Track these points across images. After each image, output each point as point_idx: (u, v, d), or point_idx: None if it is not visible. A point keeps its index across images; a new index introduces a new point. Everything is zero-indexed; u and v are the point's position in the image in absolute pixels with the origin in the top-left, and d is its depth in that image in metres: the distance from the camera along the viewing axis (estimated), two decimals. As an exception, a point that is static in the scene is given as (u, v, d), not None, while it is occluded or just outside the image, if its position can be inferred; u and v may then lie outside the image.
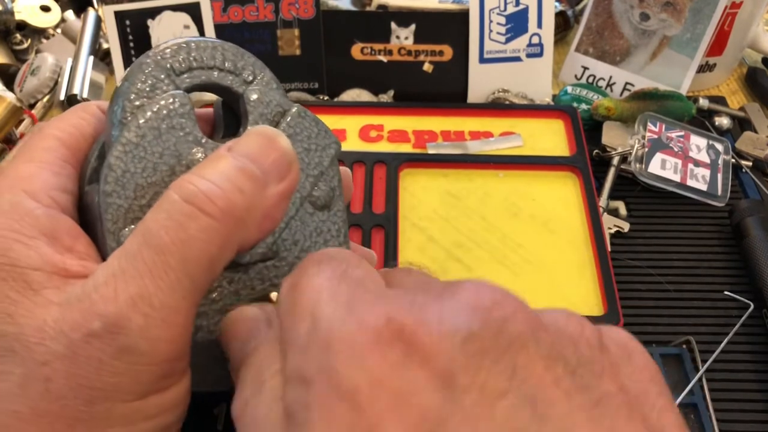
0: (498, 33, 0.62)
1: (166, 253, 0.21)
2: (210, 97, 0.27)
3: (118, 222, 0.23)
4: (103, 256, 0.23)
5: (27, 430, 0.20)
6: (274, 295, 0.25)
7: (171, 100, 0.24)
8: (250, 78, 0.26)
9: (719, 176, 0.55)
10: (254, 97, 0.26)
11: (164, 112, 0.24)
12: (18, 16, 0.70)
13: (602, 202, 0.54)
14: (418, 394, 0.16)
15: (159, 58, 0.25)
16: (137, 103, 0.24)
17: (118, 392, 0.20)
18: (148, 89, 0.24)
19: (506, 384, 0.16)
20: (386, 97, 0.62)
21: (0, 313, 0.21)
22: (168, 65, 0.25)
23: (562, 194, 0.53)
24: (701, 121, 0.62)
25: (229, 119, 0.27)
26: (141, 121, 0.23)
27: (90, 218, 0.24)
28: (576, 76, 0.66)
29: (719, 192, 0.54)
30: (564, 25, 0.71)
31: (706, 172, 0.55)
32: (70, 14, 0.72)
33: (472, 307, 0.17)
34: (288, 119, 0.26)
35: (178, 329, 0.21)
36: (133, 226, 0.23)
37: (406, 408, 0.16)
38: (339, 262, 0.20)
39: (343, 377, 0.16)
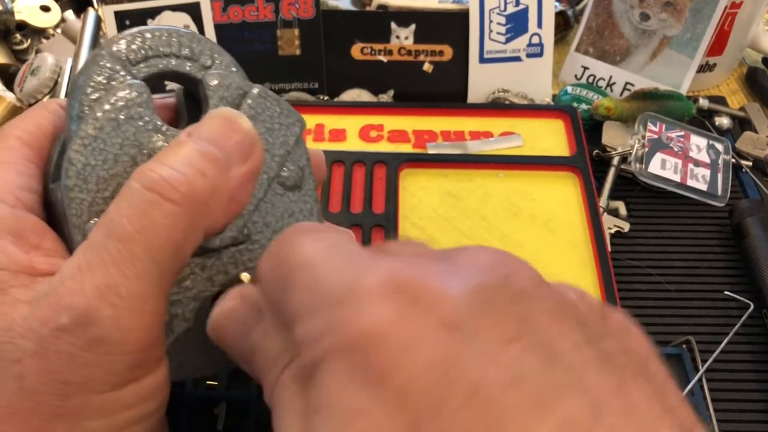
0: (498, 33, 0.62)
1: (131, 242, 0.20)
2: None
3: (82, 215, 0.23)
4: (71, 251, 0.23)
5: (2, 429, 0.20)
6: (245, 276, 0.25)
7: (128, 91, 0.24)
8: (209, 63, 0.26)
9: (719, 176, 0.55)
10: (214, 82, 0.26)
11: (121, 102, 0.24)
12: (18, 16, 0.70)
13: (602, 202, 0.54)
14: (427, 339, 0.16)
15: (114, 49, 0.25)
16: (94, 96, 0.24)
17: (93, 384, 0.20)
18: (104, 81, 0.24)
19: (515, 331, 0.16)
20: (386, 97, 0.62)
21: None
22: (123, 56, 0.25)
23: (562, 194, 0.53)
24: (701, 121, 0.62)
25: (191, 107, 0.27)
26: (98, 113, 0.23)
27: (56, 215, 0.24)
28: (576, 76, 0.66)
29: (719, 192, 0.54)
30: (564, 25, 0.71)
31: (706, 172, 0.55)
32: (70, 14, 0.72)
33: (475, 265, 0.18)
34: (249, 101, 0.26)
35: (149, 317, 0.21)
36: (97, 219, 0.23)
37: (416, 352, 0.16)
38: (322, 232, 0.20)
39: (351, 327, 0.16)
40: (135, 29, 0.25)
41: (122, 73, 0.24)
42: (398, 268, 0.17)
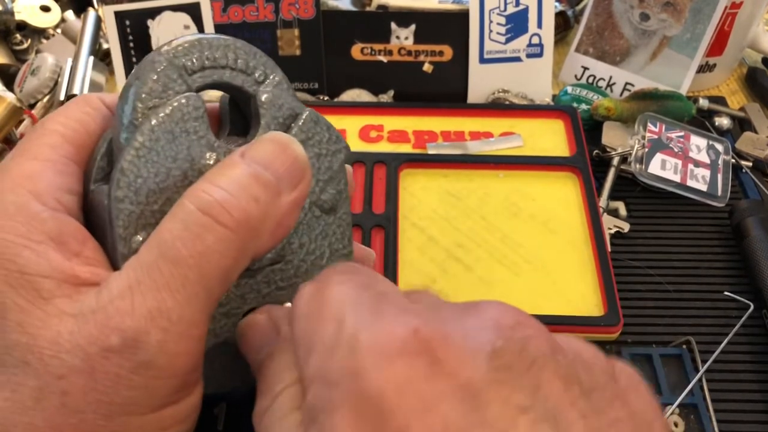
0: (498, 33, 0.62)
1: (184, 266, 0.20)
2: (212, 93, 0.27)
3: (129, 227, 0.22)
4: (112, 261, 0.23)
5: None
6: (288, 305, 0.25)
7: (185, 102, 0.23)
8: (262, 78, 0.26)
9: (719, 176, 0.55)
10: (266, 98, 0.25)
11: (178, 114, 0.23)
12: (18, 16, 0.70)
13: (602, 202, 0.54)
14: (442, 404, 0.16)
15: (172, 56, 0.24)
16: (149, 103, 0.23)
17: (135, 406, 0.20)
18: (160, 89, 0.23)
19: (529, 400, 0.16)
20: (386, 98, 0.62)
21: (10, 322, 0.20)
22: (181, 64, 0.24)
23: (562, 194, 0.53)
24: (701, 121, 0.62)
25: (235, 116, 0.27)
26: (154, 123, 0.23)
27: (97, 220, 0.24)
28: (576, 76, 0.66)
29: (719, 192, 0.54)
30: (564, 25, 0.71)
31: (706, 173, 0.55)
32: (70, 14, 0.72)
33: (496, 326, 0.18)
34: (300, 123, 0.26)
35: (194, 342, 0.21)
36: (144, 233, 0.22)
37: (430, 416, 0.16)
38: (363, 275, 0.21)
39: (369, 380, 0.16)
40: (194, 37, 0.24)
41: (179, 82, 0.24)
42: (422, 323, 0.18)
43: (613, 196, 0.55)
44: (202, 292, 0.21)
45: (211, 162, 0.24)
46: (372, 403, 0.16)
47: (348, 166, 0.28)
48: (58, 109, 0.25)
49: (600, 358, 0.19)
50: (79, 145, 0.24)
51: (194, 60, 0.24)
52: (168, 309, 0.20)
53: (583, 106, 0.60)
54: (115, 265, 0.22)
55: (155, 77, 0.23)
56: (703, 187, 0.54)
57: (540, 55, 0.62)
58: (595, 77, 0.65)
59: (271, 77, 0.26)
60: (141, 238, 0.22)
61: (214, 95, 0.27)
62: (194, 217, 0.21)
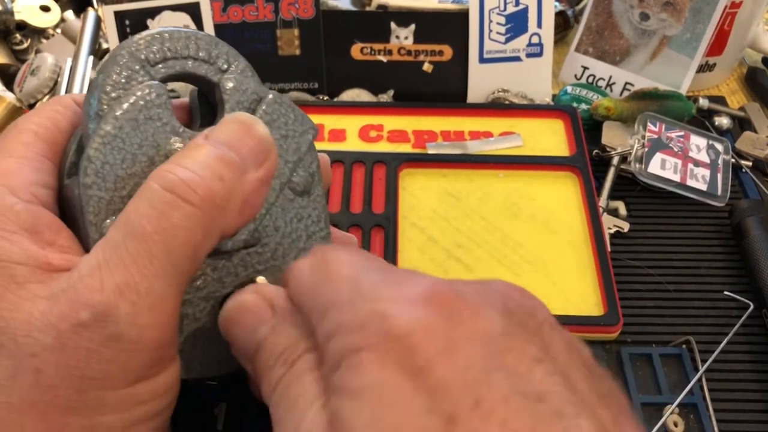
0: (498, 33, 0.62)
1: (150, 242, 0.21)
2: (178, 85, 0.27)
3: (99, 214, 0.23)
4: (86, 248, 0.23)
5: (20, 420, 0.20)
6: (260, 279, 0.26)
7: (147, 91, 0.24)
8: (225, 66, 0.26)
9: (719, 176, 0.55)
10: (230, 85, 0.26)
11: (141, 102, 0.24)
12: (18, 16, 0.70)
13: (602, 202, 0.54)
14: (465, 347, 0.17)
15: (133, 49, 0.25)
16: (113, 94, 0.24)
17: (109, 380, 0.21)
18: (123, 81, 0.24)
19: (541, 354, 0.18)
20: (386, 97, 0.62)
21: None
22: (143, 56, 0.25)
23: (562, 194, 0.53)
24: (701, 121, 0.62)
25: (205, 109, 0.27)
26: (118, 112, 0.23)
27: (71, 211, 0.24)
28: (576, 75, 0.66)
29: (719, 192, 0.54)
30: (564, 24, 0.71)
31: (706, 172, 0.55)
32: (69, 14, 0.72)
33: (505, 292, 0.20)
34: (264, 106, 0.26)
35: (165, 316, 0.21)
36: (114, 218, 0.23)
37: (454, 356, 0.17)
38: (360, 250, 0.22)
39: (395, 320, 0.18)
40: (154, 30, 0.25)
41: (141, 73, 0.25)
42: (436, 283, 0.19)
43: (612, 196, 0.55)
44: (170, 267, 0.21)
45: (178, 147, 0.24)
46: (398, 341, 0.17)
47: (325, 155, 0.29)
48: (32, 110, 0.26)
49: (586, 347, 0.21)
50: (51, 142, 0.25)
51: (155, 52, 0.25)
52: (136, 283, 0.21)
53: (583, 106, 0.60)
54: (88, 252, 0.23)
55: (118, 70, 0.24)
56: (703, 187, 0.54)
57: (540, 54, 0.62)
58: (594, 77, 0.65)
59: (234, 65, 0.27)
60: (111, 223, 0.23)
61: (183, 91, 0.27)
62: (159, 195, 0.21)
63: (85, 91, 0.61)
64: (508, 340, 0.18)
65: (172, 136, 0.24)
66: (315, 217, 0.28)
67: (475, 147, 0.56)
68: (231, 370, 0.25)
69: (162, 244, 0.21)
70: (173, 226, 0.21)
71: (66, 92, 0.61)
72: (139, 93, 0.24)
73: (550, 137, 0.57)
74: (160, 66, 0.25)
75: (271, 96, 0.26)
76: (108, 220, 0.23)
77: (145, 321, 0.21)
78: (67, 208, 0.25)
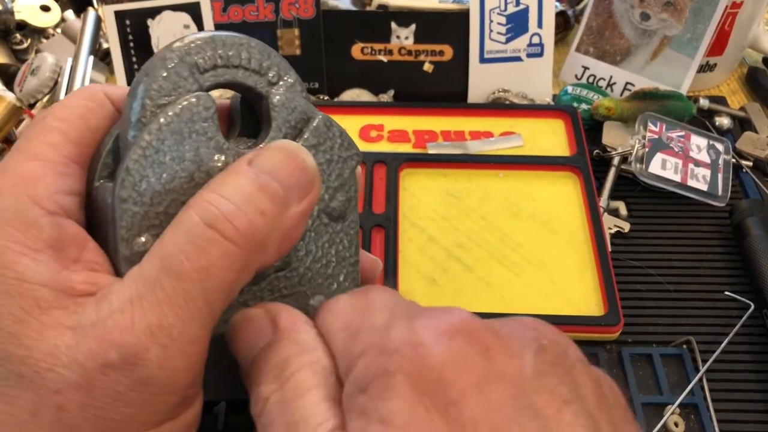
0: (498, 33, 0.62)
1: (186, 281, 0.20)
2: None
3: (132, 229, 0.22)
4: (113, 261, 0.22)
5: None
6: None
7: (194, 101, 0.23)
8: (275, 79, 0.25)
9: (720, 176, 0.55)
10: (278, 100, 0.25)
11: (187, 114, 0.22)
12: (18, 16, 0.70)
13: (603, 202, 0.54)
14: (496, 383, 0.17)
15: (183, 53, 0.23)
16: (159, 101, 0.22)
17: (133, 422, 0.20)
18: (170, 87, 0.23)
19: (571, 395, 0.18)
20: (386, 97, 0.62)
21: (3, 333, 0.19)
22: (192, 62, 0.23)
23: (563, 194, 0.53)
24: (702, 121, 0.62)
25: (246, 116, 0.26)
26: (162, 122, 0.22)
27: (99, 217, 0.23)
28: (576, 75, 0.66)
29: (720, 192, 0.54)
30: (564, 24, 0.71)
31: (707, 172, 0.55)
32: (70, 14, 0.72)
33: (537, 329, 0.19)
34: (312, 128, 0.25)
35: (195, 357, 0.20)
36: (147, 234, 0.22)
37: (485, 394, 0.17)
38: (396, 292, 0.22)
39: (430, 350, 0.18)
40: (207, 34, 0.24)
41: (190, 80, 0.23)
42: (471, 317, 0.19)
43: (613, 196, 0.55)
44: (205, 307, 0.20)
45: (220, 164, 0.23)
46: (431, 371, 0.17)
47: (358, 169, 0.27)
48: (60, 102, 0.24)
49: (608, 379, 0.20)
50: (80, 143, 0.24)
51: (206, 58, 0.23)
52: (169, 325, 0.19)
53: (584, 106, 0.60)
54: (116, 267, 0.22)
55: (165, 74, 0.23)
56: (704, 187, 0.54)
57: (540, 54, 0.62)
58: (595, 77, 0.65)
59: (285, 79, 0.25)
60: (143, 240, 0.22)
61: (226, 93, 0.26)
62: (199, 230, 0.20)
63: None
64: (539, 379, 0.18)
65: (216, 152, 0.23)
66: (347, 243, 0.26)
67: (476, 147, 0.56)
68: (246, 394, 0.24)
69: (199, 284, 0.20)
70: (212, 264, 0.20)
71: (66, 92, 0.61)
72: (185, 103, 0.22)
73: (550, 137, 0.57)
74: (209, 74, 0.24)
75: (320, 118, 0.25)
76: (141, 237, 0.22)
77: (175, 365, 0.20)
78: (94, 212, 0.23)
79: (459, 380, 0.17)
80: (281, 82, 0.25)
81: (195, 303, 0.20)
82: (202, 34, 0.24)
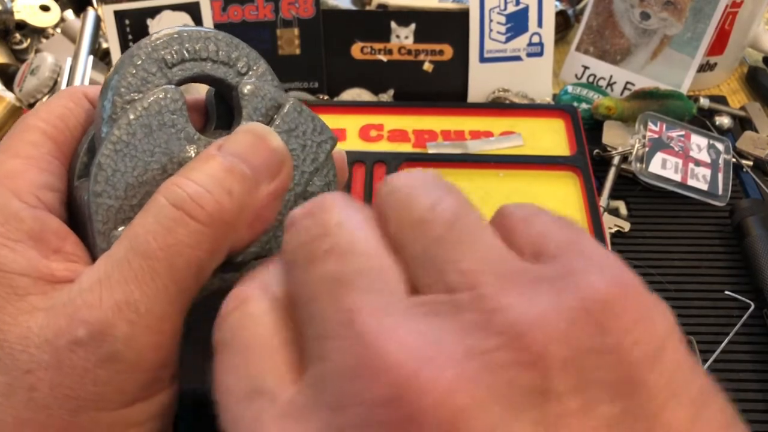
0: (498, 32, 0.62)
1: (153, 259, 0.20)
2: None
3: (108, 222, 0.22)
4: (93, 255, 0.23)
5: None
6: None
7: (162, 95, 0.23)
8: (245, 69, 0.26)
9: (720, 176, 0.55)
10: (248, 89, 0.25)
11: (156, 108, 0.23)
12: (17, 16, 0.70)
13: (603, 201, 0.54)
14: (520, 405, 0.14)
15: (150, 49, 0.24)
16: (127, 97, 0.23)
17: (103, 401, 0.20)
18: (138, 83, 0.23)
19: (612, 414, 0.14)
20: (386, 97, 0.62)
21: None
22: (160, 57, 0.24)
23: (563, 194, 0.53)
24: (702, 120, 0.61)
25: (221, 109, 0.27)
26: (131, 117, 0.23)
27: (79, 215, 0.24)
28: (576, 75, 0.66)
29: (720, 191, 0.54)
30: (564, 24, 0.71)
31: (707, 172, 0.55)
32: (69, 14, 0.72)
33: (587, 308, 0.15)
34: (283, 114, 0.25)
35: (165, 336, 0.21)
36: (123, 227, 0.22)
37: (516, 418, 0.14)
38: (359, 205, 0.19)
39: (433, 403, 0.14)
40: (173, 30, 0.24)
41: (158, 75, 0.24)
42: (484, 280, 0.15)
43: (613, 196, 0.55)
44: (172, 285, 0.20)
45: (191, 155, 0.24)
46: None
47: (342, 153, 0.28)
48: (42, 103, 0.25)
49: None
50: (60, 141, 0.24)
51: (173, 53, 0.24)
52: (135, 301, 0.20)
53: (584, 106, 0.60)
54: (95, 260, 0.22)
55: (134, 71, 0.23)
56: (704, 187, 0.54)
57: (540, 54, 0.62)
58: (595, 76, 0.65)
59: (254, 68, 0.26)
60: (120, 232, 0.22)
61: (201, 89, 0.26)
62: (166, 211, 0.21)
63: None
64: (572, 388, 0.14)
65: (187, 143, 0.24)
66: None
67: (476, 147, 0.56)
68: None
69: (166, 262, 0.20)
70: (178, 243, 0.20)
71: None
72: (153, 97, 0.23)
73: (550, 137, 0.57)
74: (177, 68, 0.24)
75: (290, 103, 0.25)
76: (117, 230, 0.22)
77: (143, 341, 0.20)
78: (75, 210, 0.24)
79: None
80: (251, 72, 0.26)
81: (162, 280, 0.20)
82: (168, 30, 0.24)
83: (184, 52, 0.24)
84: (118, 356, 0.20)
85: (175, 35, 0.24)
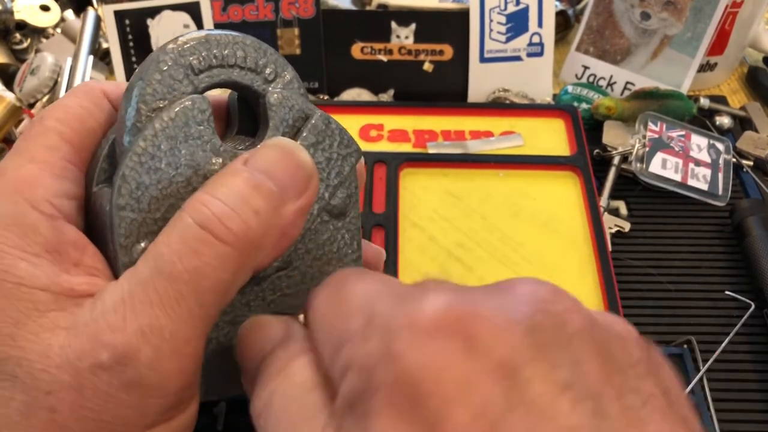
0: (498, 32, 0.61)
1: (179, 282, 0.20)
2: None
3: (130, 236, 0.21)
4: (113, 267, 0.22)
5: None
6: (301, 317, 0.24)
7: (189, 105, 0.22)
8: (272, 77, 0.25)
9: (720, 176, 0.55)
10: (276, 99, 0.24)
11: (182, 119, 0.22)
12: (18, 16, 0.69)
13: (603, 201, 0.54)
14: (480, 384, 0.16)
15: (177, 54, 0.23)
16: (153, 105, 0.22)
17: (125, 424, 0.20)
18: (164, 90, 0.22)
19: (570, 376, 0.16)
20: (386, 97, 0.62)
21: (0, 335, 0.19)
22: (187, 63, 0.23)
23: (563, 194, 0.53)
24: (702, 120, 0.61)
25: (244, 114, 0.26)
26: (157, 128, 0.22)
27: (98, 223, 0.23)
28: (576, 75, 0.66)
29: (720, 191, 0.54)
30: (564, 24, 0.71)
31: (707, 172, 0.55)
32: (69, 14, 0.72)
33: (531, 300, 0.17)
34: (310, 126, 0.25)
35: (188, 359, 0.20)
36: (146, 241, 0.22)
37: (469, 398, 0.16)
38: (375, 274, 0.20)
39: (405, 363, 0.16)
40: (201, 34, 0.23)
41: (184, 83, 0.23)
42: (451, 301, 0.17)
43: (613, 196, 0.55)
44: (198, 308, 0.20)
45: (217, 167, 0.23)
46: (409, 386, 0.16)
47: (360, 165, 0.27)
48: (58, 102, 0.24)
49: (633, 333, 0.18)
50: (78, 145, 0.23)
51: (201, 59, 0.23)
52: (161, 326, 0.19)
53: (584, 106, 0.60)
54: (115, 273, 0.22)
55: (159, 78, 0.22)
56: (704, 187, 0.54)
57: (540, 54, 0.62)
58: (595, 76, 0.65)
59: (282, 76, 0.25)
60: (142, 246, 0.21)
61: (226, 91, 0.26)
62: (192, 232, 0.20)
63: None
64: (531, 365, 0.16)
65: (213, 155, 0.23)
66: (348, 239, 0.26)
67: (476, 146, 0.56)
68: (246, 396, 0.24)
69: (192, 285, 0.20)
70: (205, 265, 0.20)
71: (66, 92, 0.61)
72: (180, 107, 0.22)
73: (550, 137, 0.57)
74: (204, 75, 0.23)
75: (318, 115, 0.25)
76: (140, 244, 0.22)
77: (167, 366, 0.20)
78: (93, 217, 0.23)
79: (439, 390, 0.16)
80: (278, 80, 0.25)
81: (187, 304, 0.20)
82: (195, 34, 0.23)
83: (212, 58, 0.23)
84: (142, 381, 0.19)
85: (203, 40, 0.23)
